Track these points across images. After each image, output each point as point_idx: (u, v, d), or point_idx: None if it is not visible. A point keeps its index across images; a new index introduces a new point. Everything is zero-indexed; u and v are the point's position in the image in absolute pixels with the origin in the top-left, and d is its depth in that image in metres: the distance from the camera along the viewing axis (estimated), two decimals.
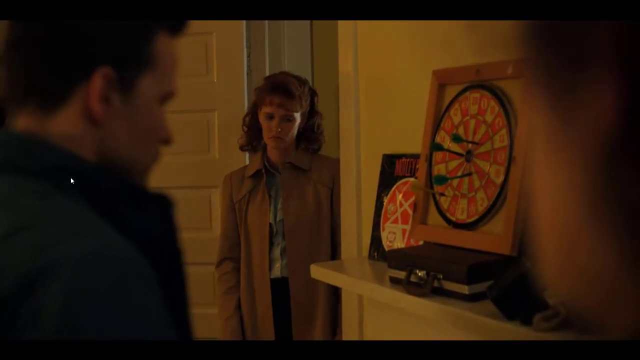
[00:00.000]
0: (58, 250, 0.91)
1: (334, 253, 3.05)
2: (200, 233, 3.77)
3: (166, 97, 1.18)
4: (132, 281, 0.94)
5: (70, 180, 1.04)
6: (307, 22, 4.29)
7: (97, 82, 1.07)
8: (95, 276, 0.90)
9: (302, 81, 3.17)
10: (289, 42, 4.26)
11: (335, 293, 3.02)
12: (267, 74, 3.71)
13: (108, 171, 1.10)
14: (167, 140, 1.22)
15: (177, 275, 1.19)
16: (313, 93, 3.20)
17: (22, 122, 1.11)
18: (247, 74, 4.00)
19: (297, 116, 3.09)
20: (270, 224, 3.08)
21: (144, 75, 1.12)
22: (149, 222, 1.13)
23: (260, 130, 3.14)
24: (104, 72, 1.07)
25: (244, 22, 3.97)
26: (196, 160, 3.93)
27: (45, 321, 0.87)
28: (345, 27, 2.47)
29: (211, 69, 3.93)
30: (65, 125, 1.08)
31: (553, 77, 0.37)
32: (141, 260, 0.97)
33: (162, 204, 1.18)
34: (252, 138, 3.19)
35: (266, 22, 4.18)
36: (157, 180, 3.91)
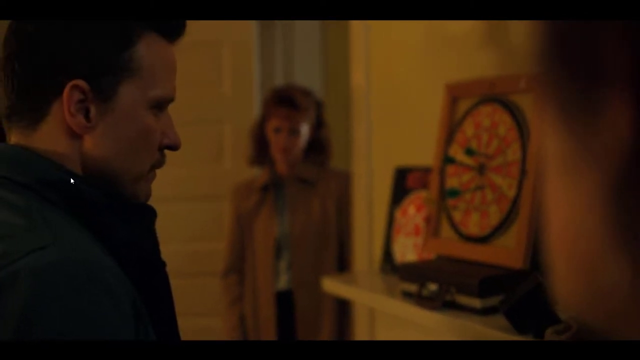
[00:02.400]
0: (21, 262, 0.94)
1: (342, 267, 3.05)
2: (211, 244, 3.77)
3: (159, 102, 1.16)
4: (92, 292, 0.96)
5: (55, 194, 1.06)
6: (319, 33, 4.30)
7: (69, 95, 1.08)
8: (52, 286, 0.93)
9: (307, 93, 3.17)
10: (301, 54, 4.27)
11: (341, 306, 3.02)
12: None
13: (93, 183, 1.11)
14: (171, 146, 1.21)
15: (162, 285, 1.21)
16: (319, 104, 3.20)
17: (14, 138, 1.14)
18: (259, 85, 4.02)
19: (304, 128, 3.09)
20: (276, 236, 3.08)
21: (124, 83, 1.11)
22: (133, 234, 1.14)
23: (267, 143, 3.14)
24: (75, 85, 1.08)
25: (255, 33, 3.99)
26: (208, 172, 3.94)
27: (4, 330, 0.91)
28: (357, 39, 2.47)
29: (223, 80, 3.94)
30: (47, 140, 1.11)
31: (567, 93, 0.38)
32: (109, 270, 1.00)
33: (146, 216, 1.19)
34: (260, 151, 3.20)
35: (278, 33, 4.20)
36: (168, 191, 3.91)
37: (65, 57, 1.08)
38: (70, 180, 1.08)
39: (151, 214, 1.20)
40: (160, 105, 1.17)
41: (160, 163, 1.21)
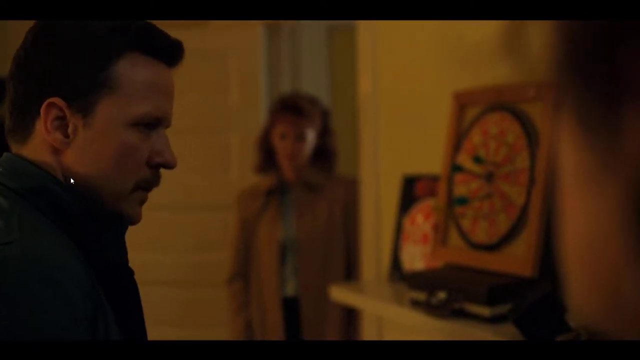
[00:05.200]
0: None
1: (349, 273, 3.05)
2: (218, 254, 3.77)
3: (140, 119, 1.18)
4: (38, 288, 1.01)
5: (41, 201, 1.13)
6: (326, 42, 4.31)
7: (45, 112, 1.14)
8: (4, 278, 1.00)
9: (313, 100, 3.20)
10: (308, 62, 4.27)
11: (348, 314, 3.02)
12: None
13: (75, 192, 1.16)
14: (164, 164, 1.23)
15: (131, 291, 1.24)
16: (325, 112, 3.22)
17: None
18: (266, 95, 4.02)
19: (310, 134, 3.11)
20: (282, 242, 3.08)
21: (103, 101, 1.15)
22: (103, 241, 1.18)
23: (273, 150, 3.16)
24: (51, 103, 1.14)
25: (262, 42, 4.00)
26: (214, 181, 3.95)
27: None
28: (364, 47, 2.48)
29: (229, 89, 3.95)
30: (35, 154, 1.17)
31: (586, 106, 0.37)
32: (66, 272, 1.04)
33: (116, 225, 1.22)
34: (266, 159, 3.21)
35: (285, 42, 4.20)
36: (174, 200, 3.91)
37: (46, 77, 1.15)
38: (52, 189, 1.14)
39: (122, 224, 1.22)
40: (145, 124, 1.19)
41: (149, 182, 1.23)
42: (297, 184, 3.12)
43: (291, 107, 3.10)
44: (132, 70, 1.17)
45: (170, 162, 1.22)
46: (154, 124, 1.20)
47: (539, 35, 0.40)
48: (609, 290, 0.38)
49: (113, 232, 1.20)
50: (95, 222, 1.16)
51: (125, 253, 1.23)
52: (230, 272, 3.21)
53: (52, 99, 1.13)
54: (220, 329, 3.54)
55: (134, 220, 1.23)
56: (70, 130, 1.15)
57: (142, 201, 1.23)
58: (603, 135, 0.36)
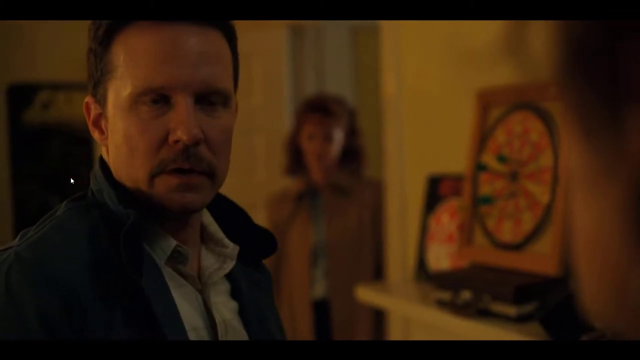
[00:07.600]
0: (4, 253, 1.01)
1: (378, 274, 3.05)
2: None
3: (136, 97, 1.05)
4: (23, 292, 0.96)
5: (94, 204, 1.09)
6: (350, 43, 4.32)
7: (85, 112, 1.12)
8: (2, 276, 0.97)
9: (339, 100, 3.19)
10: (332, 63, 4.28)
11: (377, 316, 3.01)
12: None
13: (113, 194, 1.07)
14: (178, 141, 1.05)
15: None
16: (352, 112, 3.22)
17: None
18: (290, 96, 4.03)
19: (338, 134, 3.10)
20: (313, 245, 3.09)
21: (109, 89, 1.07)
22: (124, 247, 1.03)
23: (302, 152, 3.16)
24: (86, 102, 1.12)
25: (286, 44, 4.01)
26: (241, 183, 3.96)
27: None
28: (388, 48, 2.48)
29: (254, 91, 3.96)
30: (105, 154, 1.13)
31: (588, 108, 0.38)
32: (67, 283, 0.97)
33: (124, 224, 1.05)
34: (295, 161, 3.21)
35: (308, 44, 4.21)
36: None
37: (88, 77, 1.12)
38: (101, 191, 1.09)
39: (128, 223, 1.04)
40: (152, 99, 1.05)
41: (174, 162, 1.06)
42: (327, 188, 3.12)
43: (318, 108, 3.10)
44: (126, 46, 1.06)
45: (182, 138, 1.04)
46: (164, 95, 1.05)
47: (541, 35, 0.40)
48: (615, 289, 0.38)
49: (128, 237, 1.02)
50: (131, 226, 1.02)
51: (140, 262, 1.02)
52: None
53: (86, 98, 1.11)
54: None
55: (173, 208, 1.07)
56: (103, 125, 1.10)
57: (177, 185, 1.06)
58: (605, 135, 0.37)
